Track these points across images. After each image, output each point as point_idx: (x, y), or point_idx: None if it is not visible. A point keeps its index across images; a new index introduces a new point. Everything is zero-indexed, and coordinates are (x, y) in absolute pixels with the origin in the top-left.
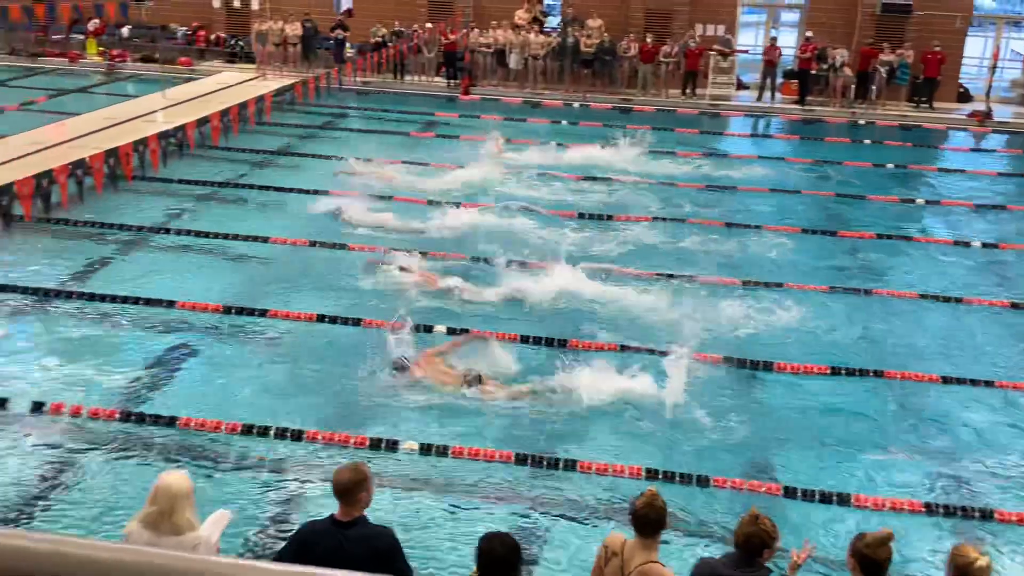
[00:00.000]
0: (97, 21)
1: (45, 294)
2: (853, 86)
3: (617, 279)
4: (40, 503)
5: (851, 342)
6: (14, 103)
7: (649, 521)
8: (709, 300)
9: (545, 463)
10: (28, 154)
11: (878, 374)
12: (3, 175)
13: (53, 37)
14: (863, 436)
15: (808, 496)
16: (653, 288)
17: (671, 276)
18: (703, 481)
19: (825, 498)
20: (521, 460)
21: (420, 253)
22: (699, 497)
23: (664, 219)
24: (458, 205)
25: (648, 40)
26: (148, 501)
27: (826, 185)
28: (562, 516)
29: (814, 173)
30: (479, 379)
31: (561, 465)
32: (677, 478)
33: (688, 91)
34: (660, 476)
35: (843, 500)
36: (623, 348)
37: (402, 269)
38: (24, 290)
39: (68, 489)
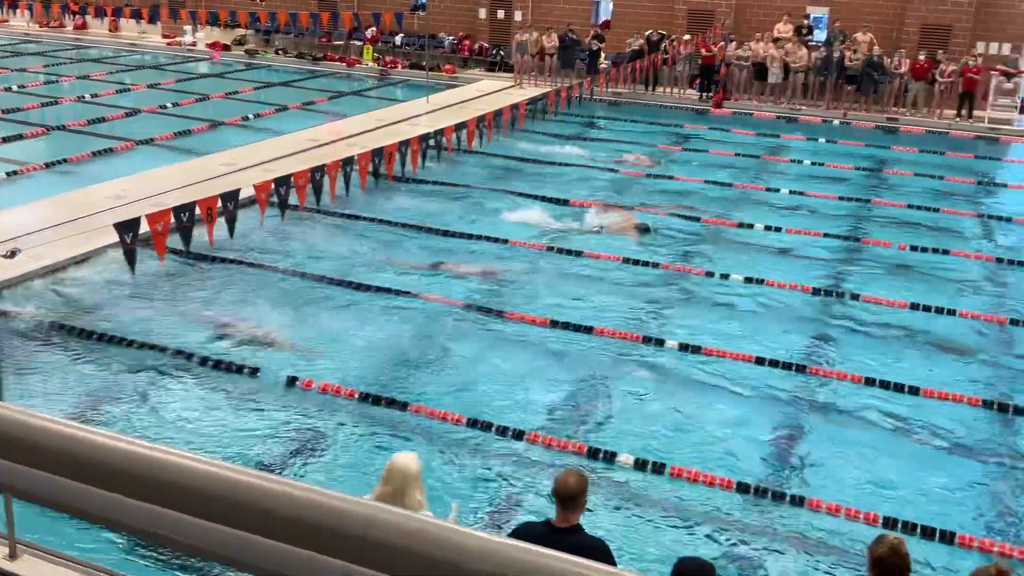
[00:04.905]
0: (374, 29)
1: (307, 277)
2: None
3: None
4: (283, 470)
5: None
6: (297, 103)
7: (899, 569)
8: (975, 340)
9: (771, 495)
10: (306, 149)
11: None
12: (284, 167)
13: (335, 43)
14: None
15: None
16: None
17: (927, 308)
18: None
19: None
20: (743, 489)
21: None
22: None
23: (926, 249)
24: None
25: (920, 57)
26: (382, 480)
27: None
28: (783, 551)
29: None
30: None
31: (789, 500)
32: (918, 531)
33: (963, 113)
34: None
35: None
36: None
37: None
38: (292, 273)
39: (312, 460)
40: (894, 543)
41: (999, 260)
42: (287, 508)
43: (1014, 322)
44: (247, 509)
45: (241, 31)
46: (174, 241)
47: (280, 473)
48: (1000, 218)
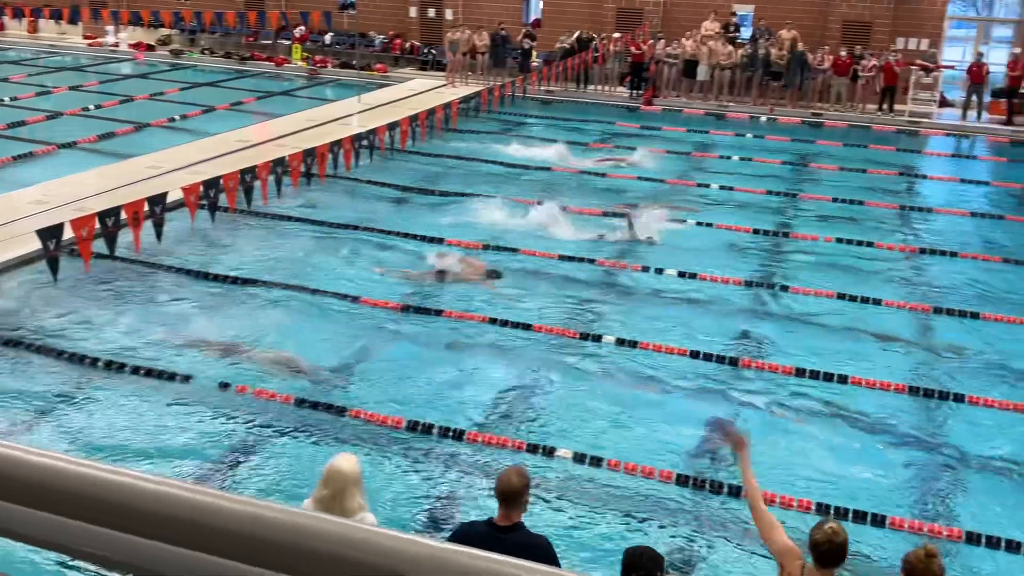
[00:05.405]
0: (303, 28)
1: (239, 282)
2: None
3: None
4: (220, 478)
5: None
6: (225, 103)
7: (835, 554)
8: (900, 329)
9: (708, 486)
10: (235, 151)
11: None
12: (213, 169)
13: (262, 42)
14: None
15: (994, 544)
16: (829, 311)
17: (854, 299)
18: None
19: (1013, 547)
20: (682, 481)
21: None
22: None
23: (851, 241)
24: None
25: (842, 53)
26: (320, 484)
27: None
28: (724, 540)
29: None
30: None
31: (726, 490)
32: (850, 515)
33: (885, 107)
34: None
35: None
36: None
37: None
38: (224, 278)
39: (248, 467)
40: (832, 529)
41: (921, 250)
42: (212, 519)
43: (937, 310)
44: (173, 520)
45: (165, 31)
46: (100, 246)
47: (216, 483)
48: (921, 209)
